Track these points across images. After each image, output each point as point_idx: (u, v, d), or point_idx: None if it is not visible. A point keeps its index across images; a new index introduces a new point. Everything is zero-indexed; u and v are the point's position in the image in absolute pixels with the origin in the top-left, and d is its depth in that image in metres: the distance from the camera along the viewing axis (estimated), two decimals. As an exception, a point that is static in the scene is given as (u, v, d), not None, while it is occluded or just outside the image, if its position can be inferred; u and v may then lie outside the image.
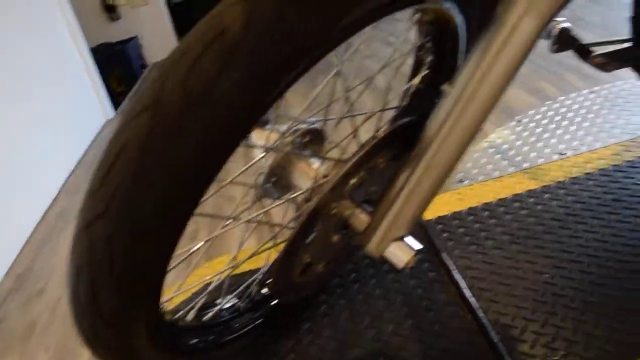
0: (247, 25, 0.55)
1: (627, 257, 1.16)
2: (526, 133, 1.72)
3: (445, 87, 0.76)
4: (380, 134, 0.82)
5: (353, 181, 0.85)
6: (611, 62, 1.27)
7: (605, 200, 1.34)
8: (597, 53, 1.26)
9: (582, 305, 1.08)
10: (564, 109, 1.82)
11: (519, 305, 1.10)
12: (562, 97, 1.90)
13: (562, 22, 1.28)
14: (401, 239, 0.85)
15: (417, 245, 0.85)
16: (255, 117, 0.59)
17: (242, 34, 0.55)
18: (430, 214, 1.41)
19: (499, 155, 1.62)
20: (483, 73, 0.72)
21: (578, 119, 1.74)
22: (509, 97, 2.15)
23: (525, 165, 1.55)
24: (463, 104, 0.74)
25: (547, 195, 1.40)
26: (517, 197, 1.41)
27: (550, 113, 1.81)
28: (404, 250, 0.84)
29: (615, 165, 1.47)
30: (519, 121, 1.81)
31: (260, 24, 0.55)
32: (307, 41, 0.58)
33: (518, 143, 1.67)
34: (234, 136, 0.59)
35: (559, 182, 1.44)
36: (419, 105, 0.99)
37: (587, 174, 1.46)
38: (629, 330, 1.01)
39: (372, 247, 0.85)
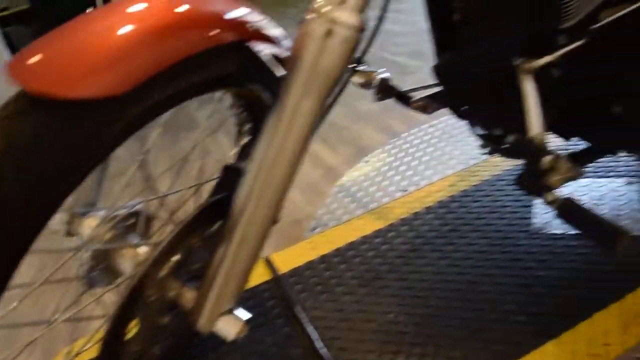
0: (6, 148, 0.55)
1: (461, 285, 1.24)
2: (373, 173, 1.81)
3: (245, 163, 0.80)
4: (191, 214, 0.83)
5: (173, 261, 0.86)
6: (429, 105, 1.37)
7: (442, 232, 1.43)
8: (415, 98, 1.36)
9: (424, 339, 1.14)
10: (406, 145, 1.93)
11: (367, 349, 1.14)
12: (406, 134, 2.02)
13: (382, 72, 1.38)
14: (230, 311, 0.86)
15: (245, 316, 0.87)
16: (34, 227, 0.59)
17: (2, 156, 0.55)
18: (284, 267, 1.44)
19: (349, 199, 1.69)
20: (275, 150, 0.76)
21: (419, 154, 1.85)
22: (360, 137, 2.26)
23: (372, 205, 1.63)
24: (262, 180, 0.78)
25: (391, 234, 1.47)
26: (365, 239, 1.48)
27: (394, 150, 1.92)
28: (232, 323, 0.85)
29: (451, 196, 1.58)
30: (367, 161, 1.90)
31: (21, 145, 0.55)
32: (78, 150, 0.59)
33: (366, 184, 1.75)
34: (9, 248, 0.58)
35: (402, 219, 1.53)
36: (235, 179, 1.02)
37: (426, 207, 1.55)
38: (465, 357, 1.08)
39: (201, 323, 0.86)
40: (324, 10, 0.69)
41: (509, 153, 1.20)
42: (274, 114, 0.75)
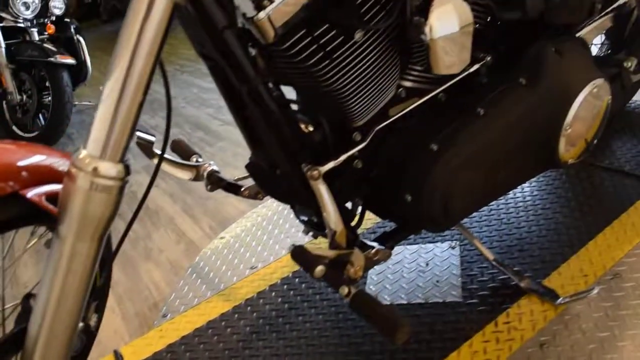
0: None
1: (295, 367, 1.32)
2: (225, 250, 1.86)
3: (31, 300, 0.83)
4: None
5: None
6: (258, 192, 1.44)
7: (282, 310, 1.51)
8: (245, 187, 1.44)
9: None
10: (259, 218, 2.01)
11: None
12: (260, 205, 2.10)
13: (210, 164, 1.45)
14: None
15: None
16: None
17: None
18: (132, 360, 1.46)
19: (200, 280, 1.74)
20: (58, 289, 0.80)
21: (270, 227, 1.93)
22: (223, 206, 2.32)
23: (222, 286, 1.68)
24: (49, 316, 0.81)
25: (236, 316, 1.53)
26: (211, 324, 1.52)
27: (248, 224, 1.99)
28: None
29: (295, 272, 1.66)
30: (222, 238, 1.95)
31: None
32: None
33: (218, 263, 1.80)
34: None
35: (248, 299, 1.59)
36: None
37: (271, 285, 1.62)
38: None
39: None
40: (85, 163, 0.75)
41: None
42: (53, 253, 0.80)
